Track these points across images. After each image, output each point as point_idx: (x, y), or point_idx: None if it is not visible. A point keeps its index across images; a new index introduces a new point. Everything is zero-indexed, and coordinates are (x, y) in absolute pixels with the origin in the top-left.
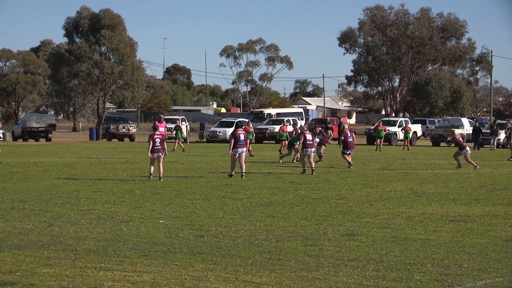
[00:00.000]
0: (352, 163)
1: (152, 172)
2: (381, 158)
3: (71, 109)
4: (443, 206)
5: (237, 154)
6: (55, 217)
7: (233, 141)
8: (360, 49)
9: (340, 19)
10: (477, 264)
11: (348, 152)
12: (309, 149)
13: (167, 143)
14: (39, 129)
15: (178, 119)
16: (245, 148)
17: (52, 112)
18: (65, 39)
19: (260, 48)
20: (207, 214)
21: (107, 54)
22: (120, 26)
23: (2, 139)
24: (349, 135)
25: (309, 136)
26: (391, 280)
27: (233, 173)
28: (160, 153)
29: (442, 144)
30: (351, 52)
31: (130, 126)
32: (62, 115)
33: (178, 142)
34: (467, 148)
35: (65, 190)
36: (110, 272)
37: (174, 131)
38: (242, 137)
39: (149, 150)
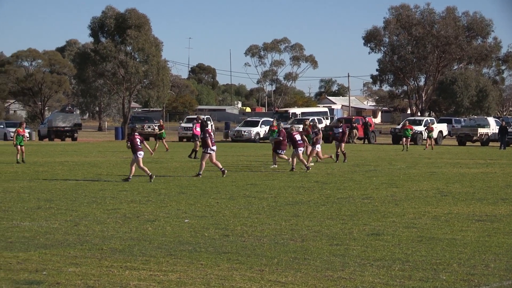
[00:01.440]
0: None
1: (131, 176)
2: (406, 158)
3: (97, 108)
4: (469, 206)
5: (213, 153)
6: (81, 216)
7: (208, 140)
8: (385, 48)
9: (365, 18)
10: (504, 264)
11: (280, 152)
12: (301, 148)
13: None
14: (65, 128)
15: (161, 118)
16: (215, 146)
17: (78, 112)
18: (91, 39)
19: (285, 47)
20: (233, 214)
21: (133, 54)
22: (145, 25)
23: (28, 139)
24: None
25: (297, 136)
26: (417, 280)
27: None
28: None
29: (468, 143)
30: (376, 51)
31: (155, 126)
32: (87, 114)
33: (163, 141)
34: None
35: (91, 190)
36: (136, 271)
37: (159, 131)
38: (213, 135)
39: (135, 149)
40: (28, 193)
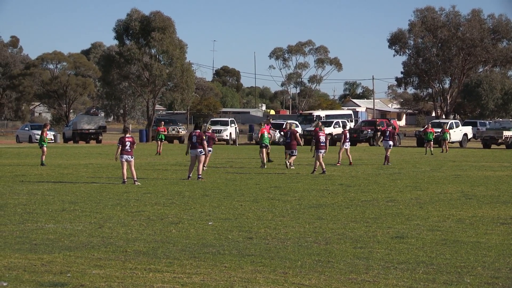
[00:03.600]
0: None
1: (125, 179)
2: (431, 160)
3: (121, 111)
4: (494, 209)
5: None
6: (105, 219)
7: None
8: (410, 51)
9: (390, 20)
10: None
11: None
12: (322, 150)
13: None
14: (90, 131)
15: (162, 121)
16: (130, 155)
17: (103, 114)
18: (116, 42)
19: (309, 50)
20: (256, 216)
21: (157, 56)
22: (170, 28)
23: (53, 141)
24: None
25: (322, 138)
26: (441, 283)
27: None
28: (130, 156)
29: (493, 146)
30: (401, 53)
31: (179, 128)
32: (112, 117)
33: (160, 144)
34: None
35: (115, 192)
36: (159, 274)
37: (157, 134)
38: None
39: (117, 153)
40: (52, 195)
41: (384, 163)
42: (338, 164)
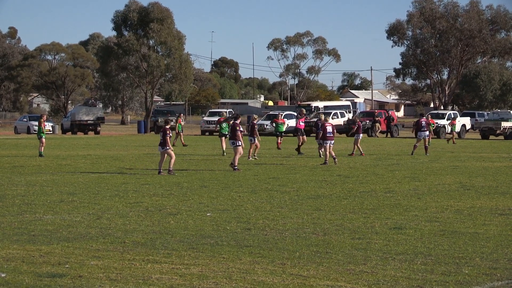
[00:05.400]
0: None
1: (160, 169)
2: (429, 151)
3: (120, 102)
4: (492, 200)
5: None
6: (103, 210)
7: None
8: (408, 42)
9: (388, 11)
10: None
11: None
12: (329, 141)
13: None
14: (88, 122)
15: (176, 112)
16: (160, 147)
17: (101, 105)
18: (114, 33)
19: (307, 41)
20: (255, 207)
21: (155, 47)
22: (168, 19)
23: (51, 132)
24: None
25: (329, 128)
26: (440, 273)
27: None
28: (161, 147)
29: (491, 137)
30: (400, 44)
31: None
32: (110, 108)
33: (180, 136)
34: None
35: (113, 183)
36: (158, 265)
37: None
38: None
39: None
40: (51, 186)
41: (426, 153)
42: (361, 155)
